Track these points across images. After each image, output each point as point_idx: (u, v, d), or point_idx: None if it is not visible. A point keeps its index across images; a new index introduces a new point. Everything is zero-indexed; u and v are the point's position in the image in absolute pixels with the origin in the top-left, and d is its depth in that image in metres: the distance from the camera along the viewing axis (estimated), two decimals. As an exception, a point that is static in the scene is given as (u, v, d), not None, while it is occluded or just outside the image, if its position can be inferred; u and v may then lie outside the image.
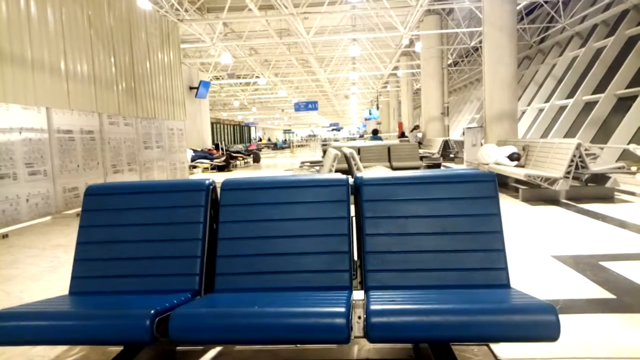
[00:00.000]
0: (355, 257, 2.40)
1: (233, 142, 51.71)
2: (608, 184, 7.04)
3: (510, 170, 7.77)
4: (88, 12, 9.14)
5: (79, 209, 2.54)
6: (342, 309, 1.77)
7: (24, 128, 7.32)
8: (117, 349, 2.42)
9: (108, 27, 9.90)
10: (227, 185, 2.52)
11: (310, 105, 32.27)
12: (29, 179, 7.41)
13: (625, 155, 11.20)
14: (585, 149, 6.91)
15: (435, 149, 15.45)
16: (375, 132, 18.33)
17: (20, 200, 7.21)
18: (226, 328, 1.79)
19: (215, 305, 1.99)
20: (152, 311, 1.85)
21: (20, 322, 1.89)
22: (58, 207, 8.07)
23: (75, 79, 8.65)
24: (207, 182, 2.51)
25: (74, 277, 2.42)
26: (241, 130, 60.18)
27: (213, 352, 2.50)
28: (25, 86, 7.36)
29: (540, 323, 1.70)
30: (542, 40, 20.70)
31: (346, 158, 7.02)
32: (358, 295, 2.25)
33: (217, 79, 29.49)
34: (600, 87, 14.32)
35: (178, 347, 2.51)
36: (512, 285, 2.22)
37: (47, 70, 7.90)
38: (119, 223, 2.48)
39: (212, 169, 17.71)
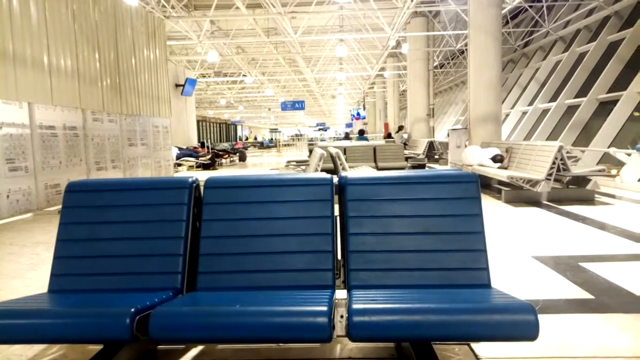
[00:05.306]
0: (339, 256, 2.40)
1: (219, 140, 51.36)
2: (589, 187, 7.16)
3: (493, 171, 7.85)
4: (72, 6, 9.01)
5: (61, 206, 2.50)
6: (325, 308, 1.78)
7: (4, 123, 7.19)
8: (97, 347, 2.39)
9: (93, 22, 9.77)
10: (211, 183, 2.50)
11: (297, 105, 32.19)
12: (9, 175, 7.28)
13: (605, 158, 11.42)
14: (567, 152, 7.02)
15: (420, 149, 15.54)
16: (361, 133, 18.40)
17: (0, 196, 7.08)
18: (207, 327, 1.78)
19: (197, 303, 1.98)
20: (133, 309, 1.83)
21: (-2, 320, 1.85)
22: (39, 204, 7.94)
23: (58, 75, 8.52)
24: (190, 179, 2.49)
25: (53, 275, 2.38)
26: (227, 129, 59.81)
27: (194, 351, 2.49)
28: (6, 81, 7.23)
29: (519, 323, 1.72)
30: (526, 44, 20.98)
31: (332, 158, 7.03)
32: (341, 294, 2.25)
33: (204, 76, 29.29)
34: (583, 91, 14.56)
35: (159, 346, 2.49)
36: (493, 285, 2.24)
37: (30, 65, 7.77)
38: (100, 220, 2.45)
39: (197, 167, 17.59)
